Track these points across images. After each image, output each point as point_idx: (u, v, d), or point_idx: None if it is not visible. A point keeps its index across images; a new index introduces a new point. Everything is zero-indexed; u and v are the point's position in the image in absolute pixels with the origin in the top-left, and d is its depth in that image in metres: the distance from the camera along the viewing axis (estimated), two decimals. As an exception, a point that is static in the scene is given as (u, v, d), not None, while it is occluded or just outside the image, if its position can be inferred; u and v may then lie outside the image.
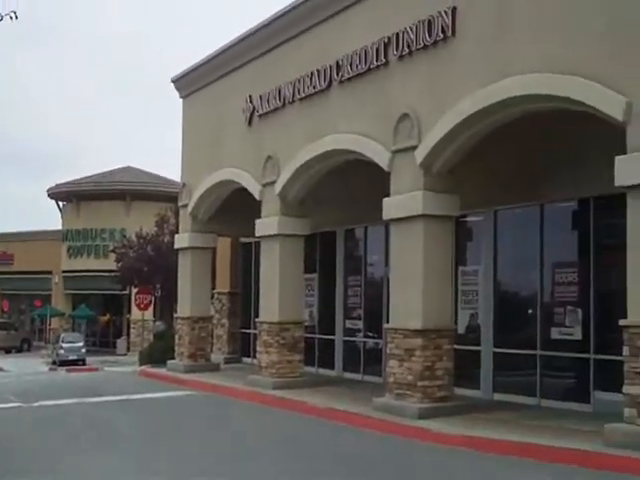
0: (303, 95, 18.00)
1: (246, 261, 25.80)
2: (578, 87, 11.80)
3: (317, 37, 17.71)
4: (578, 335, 14.80)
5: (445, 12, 14.04)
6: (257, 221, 19.78)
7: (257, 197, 19.77)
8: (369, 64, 15.87)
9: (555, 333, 15.26)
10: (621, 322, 11.24)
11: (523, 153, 15.41)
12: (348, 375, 20.82)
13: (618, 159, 11.34)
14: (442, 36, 14.13)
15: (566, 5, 12.19)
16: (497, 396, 16.24)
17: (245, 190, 20.37)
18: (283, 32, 18.76)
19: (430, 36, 14.34)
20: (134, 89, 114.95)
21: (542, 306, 15.58)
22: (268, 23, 19.30)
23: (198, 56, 23.23)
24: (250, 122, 20.24)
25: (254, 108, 19.99)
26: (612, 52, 11.48)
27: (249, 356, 24.94)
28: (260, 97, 19.66)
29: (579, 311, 14.81)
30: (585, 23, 11.90)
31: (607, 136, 12.05)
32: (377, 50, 15.66)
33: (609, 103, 11.43)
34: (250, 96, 20.09)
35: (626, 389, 11.11)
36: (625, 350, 11.14)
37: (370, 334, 20.47)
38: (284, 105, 18.78)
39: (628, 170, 11.16)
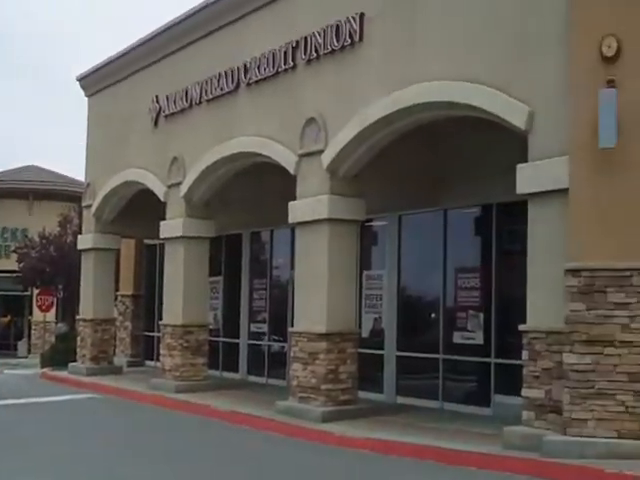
0: (210, 97, 17.89)
1: (150, 263, 25.53)
2: (482, 95, 12.00)
3: (225, 39, 17.62)
4: (480, 339, 15.04)
5: (353, 18, 14.12)
6: (162, 223, 19.59)
7: (162, 198, 19.58)
8: (277, 67, 15.86)
9: (457, 337, 15.48)
10: (520, 327, 11.46)
11: (428, 159, 15.58)
12: (252, 378, 20.78)
13: (519, 167, 11.56)
14: (350, 41, 14.21)
15: (472, 15, 12.35)
16: (400, 399, 16.38)
17: (150, 191, 20.16)
18: (190, 33, 18.61)
19: (338, 41, 14.40)
20: (40, 87, 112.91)
21: (445, 310, 15.80)
22: (176, 23, 19.13)
23: (105, 55, 22.87)
24: (156, 123, 20.04)
25: (160, 108, 19.80)
26: (516, 62, 11.69)
27: (152, 359, 24.67)
28: (167, 97, 19.48)
29: (481, 316, 15.05)
30: (490, 33, 12.08)
31: (510, 144, 12.26)
32: (285, 53, 15.66)
33: (512, 112, 11.65)
34: (157, 96, 19.89)
35: (525, 392, 11.32)
36: (524, 354, 11.36)
37: (275, 337, 20.46)
38: (191, 106, 18.64)
39: (529, 178, 11.39)
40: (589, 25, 10.67)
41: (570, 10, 10.89)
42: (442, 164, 15.45)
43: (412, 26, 13.25)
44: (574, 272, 10.55)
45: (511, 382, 12.96)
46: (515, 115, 11.61)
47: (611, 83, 10.37)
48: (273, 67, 15.96)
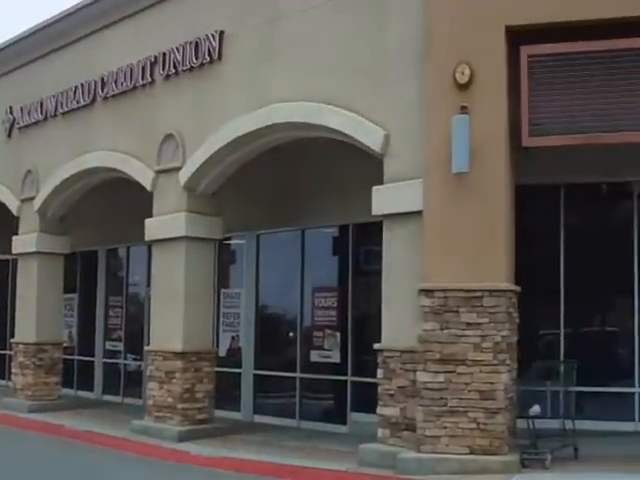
0: (66, 109, 17.50)
1: (2, 279, 24.72)
2: (338, 117, 12.14)
3: (81, 51, 17.29)
4: (336, 358, 15.16)
5: (212, 35, 14.08)
6: (14, 238, 19.03)
7: (15, 213, 19.03)
8: (134, 82, 15.66)
9: (315, 356, 15.57)
10: (376, 346, 11.62)
11: (287, 178, 15.69)
12: (108, 397, 20.36)
13: (375, 189, 11.75)
14: (209, 59, 14.16)
15: (330, 37, 12.49)
16: (258, 418, 16.36)
17: (2, 205, 19.56)
18: (46, 44, 18.17)
19: (197, 58, 14.33)
20: None
21: (303, 329, 15.88)
22: (31, 34, 18.65)
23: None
24: (10, 134, 19.49)
25: (14, 120, 19.26)
26: (373, 85, 11.89)
27: (4, 378, 23.85)
28: (21, 109, 18.97)
29: (338, 335, 15.19)
30: (348, 56, 12.23)
31: (368, 166, 12.43)
32: (143, 68, 15.47)
33: (368, 135, 11.83)
34: (10, 107, 19.35)
35: (380, 410, 11.48)
36: (379, 373, 11.52)
37: (131, 356, 20.13)
38: (46, 118, 18.20)
39: (384, 199, 11.59)
40: (444, 52, 10.94)
41: (426, 37, 11.15)
42: (301, 184, 15.54)
43: (271, 46, 13.30)
44: (427, 292, 10.77)
45: (367, 400, 13.11)
46: (371, 138, 11.80)
47: (464, 109, 10.67)
48: (131, 82, 15.74)
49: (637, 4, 10.38)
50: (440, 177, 10.84)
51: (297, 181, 15.59)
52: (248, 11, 13.79)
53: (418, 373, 10.78)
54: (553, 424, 11.07)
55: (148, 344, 15.46)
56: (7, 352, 22.65)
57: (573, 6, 10.56)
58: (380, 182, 11.70)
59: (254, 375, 16.57)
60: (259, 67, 13.44)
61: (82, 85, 16.99)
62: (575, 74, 10.61)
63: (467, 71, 10.77)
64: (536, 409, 10.79)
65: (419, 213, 11.06)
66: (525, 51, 10.68)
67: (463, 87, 10.80)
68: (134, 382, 19.58)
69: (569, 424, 10.97)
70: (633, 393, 12.99)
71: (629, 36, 10.37)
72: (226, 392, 16.25)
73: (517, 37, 10.78)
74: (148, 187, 15.21)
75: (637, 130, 10.60)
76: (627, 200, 13.34)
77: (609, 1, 10.51)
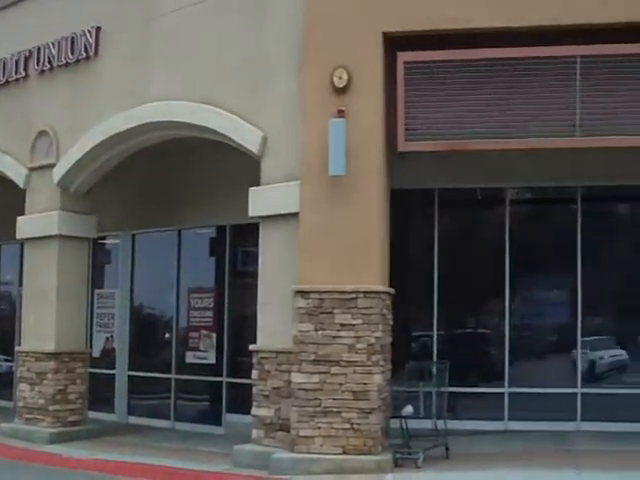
0: (-62, 103, 16.89)
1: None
2: (216, 118, 12.08)
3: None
4: (212, 359, 15.10)
5: (89, 31, 13.81)
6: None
7: None
8: (8, 76, 15.22)
9: (190, 357, 15.47)
10: (251, 347, 11.62)
11: (164, 178, 15.52)
12: (-23, 400, 19.77)
13: (252, 190, 11.75)
14: (85, 55, 13.88)
15: (209, 38, 12.40)
16: (132, 419, 16.15)
17: None
18: None
19: (73, 54, 14.03)
20: None
21: (178, 330, 15.76)
22: None
23: None
24: None
25: None
26: (252, 87, 11.86)
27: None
28: None
29: (214, 336, 15.13)
30: (226, 55, 12.18)
31: (246, 167, 12.41)
32: (17, 63, 15.05)
33: (246, 135, 11.81)
34: None
35: (254, 411, 11.48)
36: (254, 374, 11.52)
37: (2, 357, 19.59)
38: None
39: (261, 201, 11.60)
40: (322, 56, 11.01)
41: (304, 41, 11.20)
42: (179, 184, 15.39)
43: (149, 44, 13.12)
44: (303, 294, 10.81)
45: (242, 401, 13.09)
46: (249, 139, 11.78)
47: (341, 113, 10.77)
48: (4, 76, 15.29)
49: (509, 16, 10.69)
50: (316, 180, 10.91)
51: (175, 181, 15.44)
52: (126, 8, 13.56)
53: (293, 374, 10.81)
54: (426, 424, 11.26)
55: (19, 344, 15.07)
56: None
57: (448, 15, 10.77)
58: (258, 183, 11.71)
59: (129, 376, 16.36)
60: (136, 65, 13.25)
61: (-47, 78, 16.42)
62: (450, 81, 10.84)
63: (345, 75, 10.88)
64: (409, 409, 10.95)
65: (295, 215, 11.10)
66: (402, 57, 10.84)
67: (340, 91, 10.89)
68: (5, 384, 19.04)
69: (441, 424, 11.17)
70: (503, 393, 13.35)
71: (501, 46, 10.65)
72: (100, 393, 15.99)
73: (395, 43, 10.94)
74: (21, 184, 14.83)
75: (508, 138, 10.90)
76: (499, 206, 13.69)
77: (482, 12, 10.75)
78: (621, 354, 13.78)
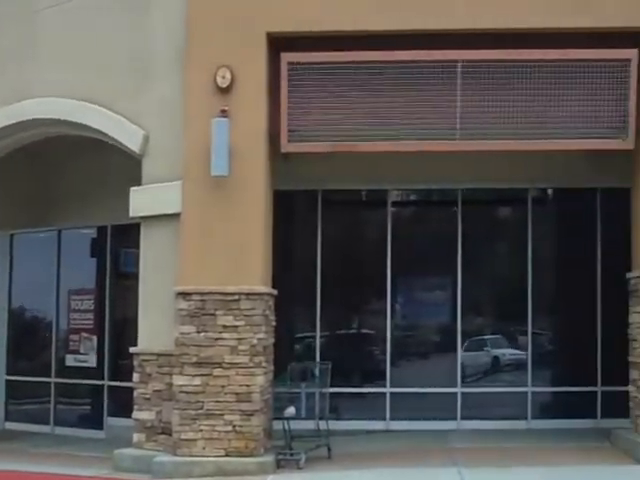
0: None
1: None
2: (97, 116, 11.87)
3: None
4: (93, 362, 14.80)
5: (-35, 25, 13.38)
6: None
7: None
8: None
9: (70, 360, 15.13)
10: (132, 349, 11.47)
11: (45, 177, 15.21)
12: None
13: (133, 190, 11.59)
14: (-38, 50, 13.44)
15: (92, 35, 12.12)
16: (10, 425, 15.68)
17: None
18: None
19: (-50, 48, 13.56)
20: None
21: (58, 333, 15.39)
22: None
23: None
24: None
25: None
26: (135, 86, 11.69)
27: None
28: None
29: (94, 338, 14.85)
30: (109, 53, 11.96)
31: (128, 167, 12.22)
32: None
33: (127, 135, 11.64)
34: None
35: (136, 415, 11.35)
36: (135, 377, 11.38)
37: None
38: None
39: (142, 201, 11.44)
40: (205, 56, 10.93)
41: (187, 40, 11.10)
42: (59, 183, 15.13)
43: (31, 39, 12.74)
44: (185, 295, 10.73)
45: (124, 404, 12.88)
46: (130, 138, 11.62)
47: (224, 113, 10.72)
48: None
49: (395, 18, 10.84)
50: (199, 180, 10.83)
51: (56, 180, 15.15)
52: (4, 0, 13.22)
53: (174, 376, 10.72)
54: (308, 425, 11.29)
55: None
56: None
57: (333, 17, 10.86)
58: (140, 183, 11.56)
59: (6, 381, 15.90)
60: (16, 60, 12.83)
61: None
62: (333, 83, 10.90)
63: (228, 75, 10.82)
64: (291, 410, 10.95)
65: (177, 215, 11.00)
66: (285, 58, 10.87)
67: (224, 90, 10.84)
68: None
69: (323, 424, 11.21)
70: (384, 393, 13.50)
71: (385, 49, 10.79)
72: (-25, 399, 15.54)
73: (279, 44, 10.96)
74: None
75: (390, 140, 11.05)
76: (382, 207, 13.84)
77: (368, 14, 10.86)
78: (501, 353, 14.11)
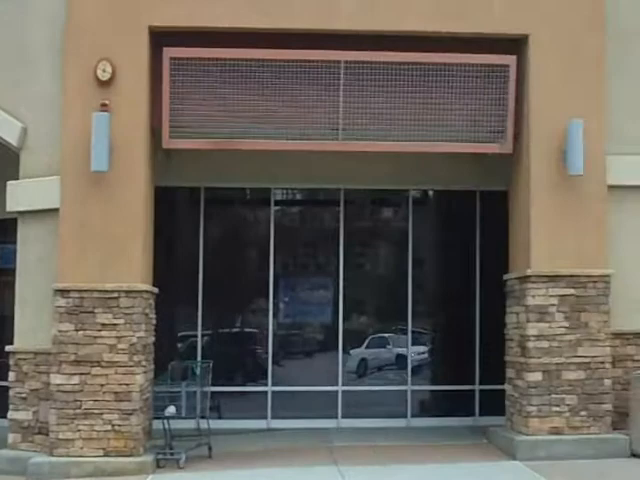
0: None
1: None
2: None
3: None
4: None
5: None
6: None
7: None
8: None
9: None
10: (7, 348, 11.19)
11: None
12: None
13: (10, 184, 11.28)
14: None
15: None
16: None
17: None
18: None
19: None
20: None
21: None
22: None
23: None
24: None
25: None
26: (13, 78, 11.36)
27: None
28: None
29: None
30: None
31: (5, 160, 11.90)
32: None
33: (5, 127, 11.32)
34: None
35: (11, 415, 11.05)
36: (11, 376, 11.09)
37: None
38: None
39: (20, 196, 11.16)
40: (85, 48, 10.75)
41: (67, 32, 10.89)
42: None
43: None
44: (63, 292, 10.53)
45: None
46: (8, 131, 11.31)
47: (105, 107, 10.55)
48: None
49: (276, 17, 10.90)
50: (78, 175, 10.63)
51: None
52: None
53: (52, 375, 10.50)
54: (189, 424, 11.20)
55: None
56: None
57: (215, 13, 10.84)
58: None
59: None
60: None
61: None
62: (216, 79, 10.87)
63: (108, 68, 10.67)
64: (171, 409, 10.86)
65: (56, 211, 10.76)
66: (167, 53, 10.78)
67: (105, 84, 10.68)
68: None
69: (204, 423, 11.13)
70: (266, 392, 13.51)
71: (270, 47, 10.82)
72: None
73: (162, 38, 10.85)
74: None
75: (273, 139, 11.09)
76: (265, 206, 13.81)
77: (250, 12, 10.88)
78: (380, 352, 14.27)
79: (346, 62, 10.96)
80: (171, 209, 13.52)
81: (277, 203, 13.99)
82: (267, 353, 13.68)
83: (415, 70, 11.02)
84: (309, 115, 11.06)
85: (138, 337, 10.50)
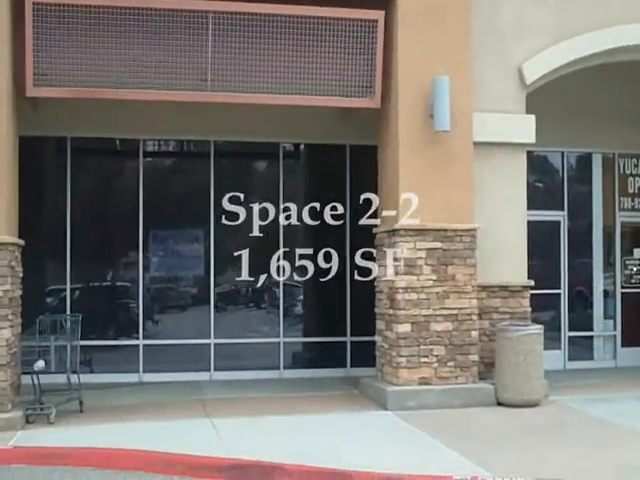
0: None
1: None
2: None
3: None
4: None
5: None
6: None
7: None
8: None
9: None
10: None
11: None
12: None
13: None
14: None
15: None
16: None
17: None
18: None
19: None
20: None
21: None
22: None
23: None
24: None
25: None
26: None
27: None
28: None
29: None
30: None
31: None
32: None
33: None
34: None
35: None
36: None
37: None
38: None
39: None
40: None
41: None
42: None
43: None
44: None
45: None
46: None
47: None
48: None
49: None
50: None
51: None
52: None
53: None
54: (60, 379, 11.01)
55: None
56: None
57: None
58: None
59: None
60: None
61: None
62: (82, 27, 10.61)
63: None
64: (40, 364, 10.65)
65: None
66: (30, -1, 10.40)
67: None
68: None
69: (75, 378, 10.98)
70: (137, 345, 13.44)
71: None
72: None
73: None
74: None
75: (141, 88, 10.89)
76: (135, 158, 13.61)
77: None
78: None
79: (215, 12, 10.83)
80: (38, 160, 13.18)
81: (147, 155, 13.80)
82: (138, 307, 13.57)
83: (284, 22, 11.01)
84: (178, 66, 10.91)
85: (4, 290, 10.23)
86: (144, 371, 13.38)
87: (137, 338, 13.49)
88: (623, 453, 8.96)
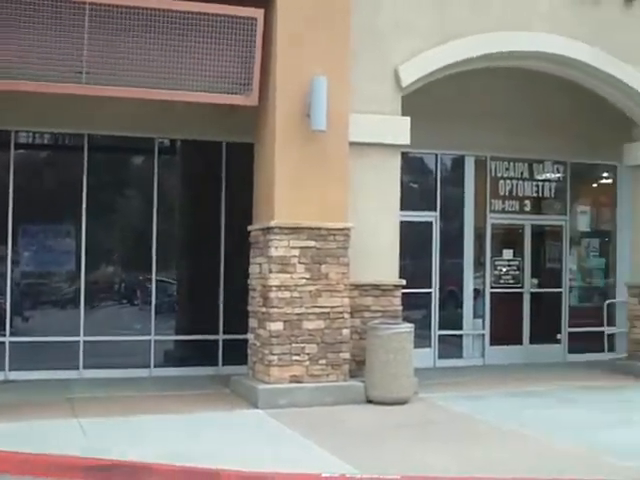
0: None
1: None
2: None
3: None
4: None
5: None
6: None
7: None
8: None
9: None
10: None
11: None
12: None
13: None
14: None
15: None
16: None
17: None
18: None
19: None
20: None
21: None
22: None
23: None
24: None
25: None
26: None
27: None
28: None
29: None
30: None
31: None
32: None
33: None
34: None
35: None
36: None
37: None
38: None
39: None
40: None
41: None
42: None
43: None
44: None
45: None
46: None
47: None
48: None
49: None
50: None
51: None
52: None
53: None
54: None
55: None
56: None
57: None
58: None
59: None
60: None
61: None
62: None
63: None
64: None
65: None
66: None
67: None
68: None
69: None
70: (4, 342, 13.07)
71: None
72: None
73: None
74: None
75: (7, 79, 10.58)
76: (5, 149, 13.20)
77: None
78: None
79: (91, 4, 10.61)
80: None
81: (18, 147, 13.44)
82: (6, 302, 13.19)
83: (162, 17, 10.87)
84: (51, 56, 10.63)
85: None
86: (10, 369, 12.99)
87: (4, 335, 13.10)
88: (484, 447, 9.18)
